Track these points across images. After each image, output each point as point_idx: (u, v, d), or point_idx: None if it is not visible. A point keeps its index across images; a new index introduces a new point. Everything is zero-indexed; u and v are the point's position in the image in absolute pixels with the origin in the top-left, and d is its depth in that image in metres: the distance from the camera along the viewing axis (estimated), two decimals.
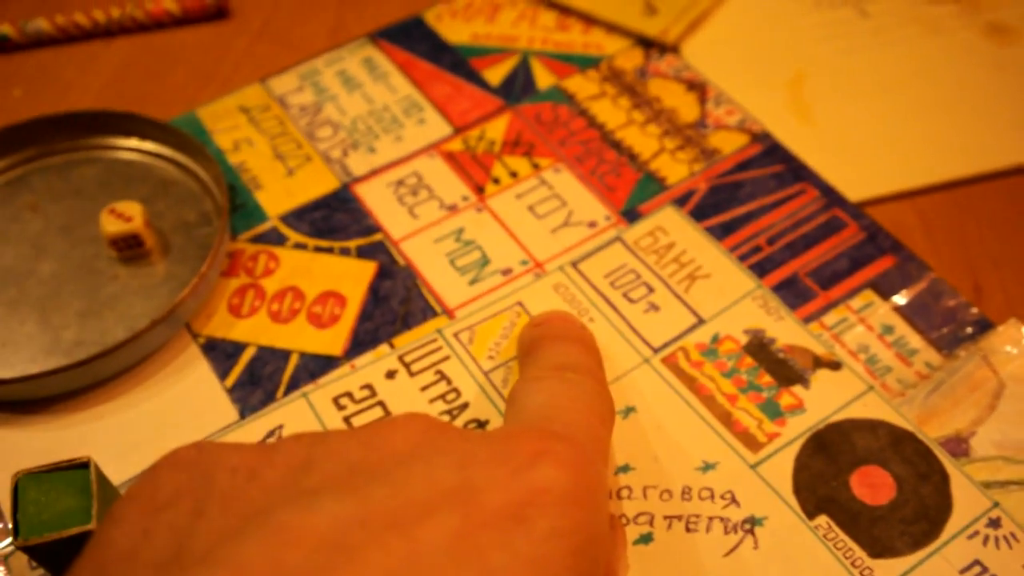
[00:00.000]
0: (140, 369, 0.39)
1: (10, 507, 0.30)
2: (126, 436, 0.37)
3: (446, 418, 0.36)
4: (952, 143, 0.45)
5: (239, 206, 0.44)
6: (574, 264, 0.41)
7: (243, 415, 0.37)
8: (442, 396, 0.37)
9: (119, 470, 0.36)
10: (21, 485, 0.31)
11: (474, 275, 0.41)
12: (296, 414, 0.37)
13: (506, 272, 0.41)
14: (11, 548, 0.34)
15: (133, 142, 0.46)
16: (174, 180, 0.45)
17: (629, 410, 0.36)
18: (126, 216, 0.42)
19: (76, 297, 0.41)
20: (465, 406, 0.37)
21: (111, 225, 0.41)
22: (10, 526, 0.30)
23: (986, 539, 0.33)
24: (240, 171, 0.45)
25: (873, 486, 0.35)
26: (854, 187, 0.43)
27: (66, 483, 0.31)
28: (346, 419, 0.37)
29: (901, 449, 0.35)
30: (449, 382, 0.37)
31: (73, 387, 0.38)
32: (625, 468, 0.35)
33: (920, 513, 0.34)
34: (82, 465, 0.31)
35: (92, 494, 0.31)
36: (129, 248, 0.42)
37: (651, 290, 0.40)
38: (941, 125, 0.46)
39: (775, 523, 0.34)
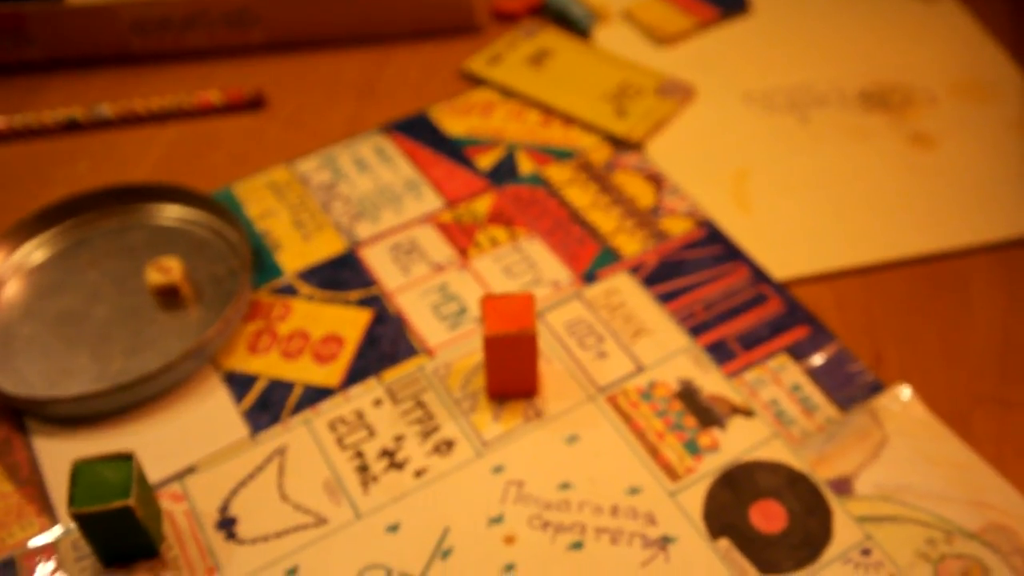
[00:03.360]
0: (172, 394, 0.47)
1: (68, 488, 0.38)
2: (159, 447, 0.45)
3: (419, 439, 0.44)
4: (867, 234, 0.53)
5: (261, 264, 0.52)
6: (539, 315, 0.49)
7: (253, 434, 0.45)
8: (418, 421, 0.45)
9: (152, 473, 0.44)
10: (76, 469, 0.39)
11: (453, 321, 0.49)
12: (297, 434, 0.45)
13: (480, 321, 0.49)
14: (58, 534, 0.42)
15: (177, 209, 0.54)
16: (208, 242, 0.53)
17: (574, 437, 0.44)
18: (167, 269, 0.50)
19: (123, 336, 0.49)
20: (437, 428, 0.44)
21: (154, 277, 0.50)
22: (62, 508, 0.38)
23: (857, 565, 0.40)
24: (264, 235, 0.54)
25: (769, 516, 0.42)
26: (780, 267, 0.51)
27: (112, 470, 0.39)
28: (338, 439, 0.44)
29: (796, 487, 0.42)
30: (425, 409, 0.45)
31: (117, 407, 0.46)
32: (566, 485, 0.42)
33: (805, 540, 0.41)
34: (126, 457, 0.39)
35: (132, 478, 0.39)
36: (168, 296, 0.50)
37: (601, 340, 0.48)
38: (859, 218, 0.53)
39: (685, 542, 0.41)
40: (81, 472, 0.39)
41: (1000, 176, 0.56)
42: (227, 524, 0.42)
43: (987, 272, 0.51)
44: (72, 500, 0.38)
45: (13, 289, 0.51)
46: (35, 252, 0.53)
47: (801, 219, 0.54)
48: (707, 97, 0.61)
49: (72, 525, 0.42)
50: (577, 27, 0.66)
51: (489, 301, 0.44)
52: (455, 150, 0.58)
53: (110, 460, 0.39)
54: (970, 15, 0.66)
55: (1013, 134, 0.58)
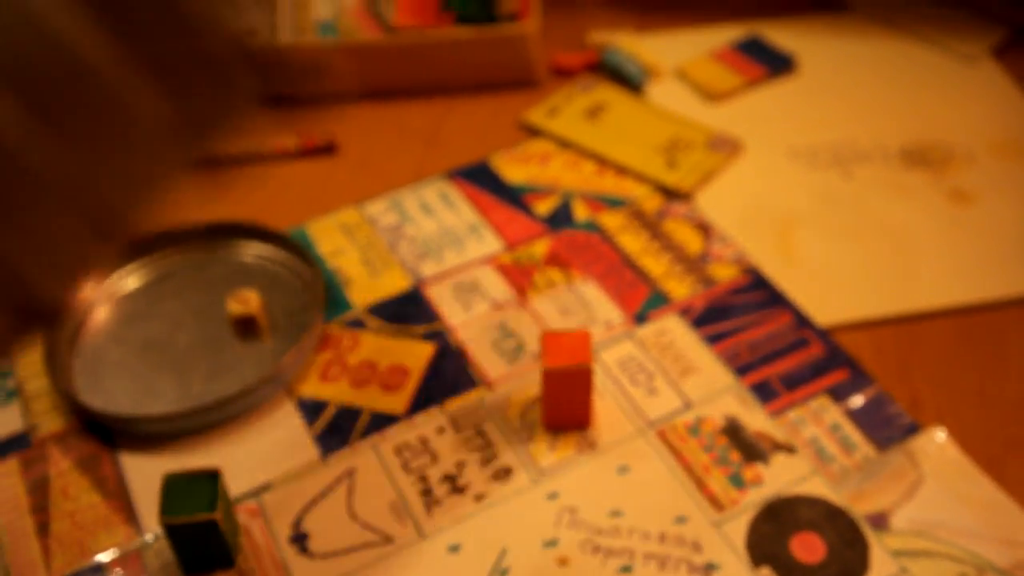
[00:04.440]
0: (248, 417, 0.50)
1: (160, 499, 0.42)
2: (236, 465, 0.48)
3: (479, 466, 0.47)
4: (906, 285, 0.55)
5: (332, 299, 0.56)
6: (593, 352, 0.52)
7: (324, 456, 0.48)
8: (478, 448, 0.48)
9: (230, 489, 0.47)
10: (167, 482, 0.42)
11: (511, 357, 0.52)
12: (365, 457, 0.48)
13: (537, 357, 0.52)
14: (142, 543, 0.45)
15: (255, 246, 0.58)
16: (284, 277, 0.57)
17: (624, 468, 0.47)
18: (246, 301, 0.54)
19: (203, 362, 0.53)
20: (496, 456, 0.47)
21: (234, 307, 0.54)
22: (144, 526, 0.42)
23: None
24: (335, 272, 0.57)
25: (808, 548, 0.44)
26: (822, 314, 0.54)
27: (199, 485, 0.42)
28: (404, 463, 0.48)
29: (834, 521, 0.45)
30: (485, 437, 0.48)
31: (197, 427, 0.50)
32: (616, 512, 0.45)
33: (843, 571, 0.43)
34: (213, 473, 0.43)
35: (218, 494, 0.42)
36: (246, 327, 0.54)
37: (651, 377, 0.51)
38: (898, 270, 0.56)
39: (728, 570, 0.43)
40: (171, 485, 0.42)
41: None
42: (299, 539, 0.45)
43: (1022, 324, 0.53)
44: (163, 510, 0.42)
45: (103, 315, 0.55)
46: (124, 281, 0.57)
47: (842, 268, 0.56)
48: (754, 151, 0.64)
49: (154, 535, 0.46)
50: (631, 83, 0.69)
51: (548, 337, 0.47)
52: (514, 196, 0.62)
53: (198, 475, 0.43)
54: (1009, 77, 0.69)
55: None
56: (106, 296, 0.56)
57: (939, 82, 0.69)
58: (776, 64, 0.70)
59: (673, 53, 0.72)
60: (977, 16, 0.74)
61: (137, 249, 0.58)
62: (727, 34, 0.74)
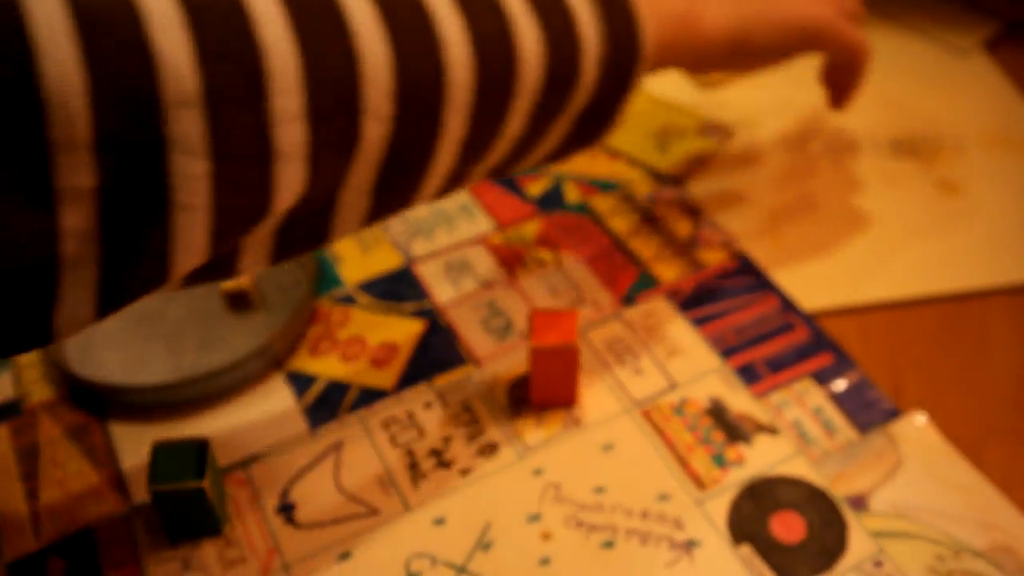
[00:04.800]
0: (238, 389, 0.51)
1: (148, 467, 0.42)
2: (225, 436, 0.49)
3: (466, 441, 0.48)
4: (891, 272, 0.56)
5: (323, 275, 0.56)
6: (581, 332, 0.52)
7: (312, 429, 0.49)
8: (465, 424, 0.48)
9: (219, 459, 0.47)
10: (155, 450, 0.43)
11: (499, 335, 0.52)
12: (353, 431, 0.49)
13: (525, 336, 0.52)
14: (130, 511, 0.46)
15: None
16: None
17: (609, 446, 0.47)
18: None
19: (195, 334, 0.53)
20: (482, 431, 0.48)
21: (226, 282, 0.54)
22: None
23: (870, 575, 0.43)
24: (327, 249, 0.58)
25: (789, 527, 0.45)
26: (808, 299, 0.54)
27: (188, 453, 0.43)
28: (391, 438, 0.48)
29: (815, 501, 0.46)
30: (472, 413, 0.49)
31: (187, 398, 0.50)
32: (600, 489, 0.46)
33: (822, 551, 0.44)
34: (200, 442, 0.43)
35: (206, 463, 0.42)
36: (238, 300, 0.54)
37: (638, 357, 0.51)
38: (885, 257, 0.57)
39: (709, 547, 0.44)
40: (160, 453, 0.43)
41: (1022, 224, 0.59)
42: (286, 509, 0.46)
43: (1005, 313, 0.54)
44: (151, 478, 0.42)
45: None
46: None
47: (830, 255, 0.57)
48: (745, 138, 0.65)
49: (142, 503, 0.46)
50: None
51: (537, 315, 0.47)
52: (507, 178, 0.62)
53: (186, 444, 0.43)
54: (1001, 71, 0.70)
55: None
56: None
57: (931, 74, 0.70)
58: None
59: None
60: (970, 9, 0.75)
61: None
62: None
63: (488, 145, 0.41)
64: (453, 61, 0.37)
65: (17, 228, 0.32)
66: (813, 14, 0.52)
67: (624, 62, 0.44)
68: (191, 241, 0.35)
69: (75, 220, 0.32)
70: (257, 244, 0.39)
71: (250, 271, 0.40)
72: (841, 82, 0.57)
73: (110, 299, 0.35)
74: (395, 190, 0.40)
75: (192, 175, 0.33)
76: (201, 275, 0.38)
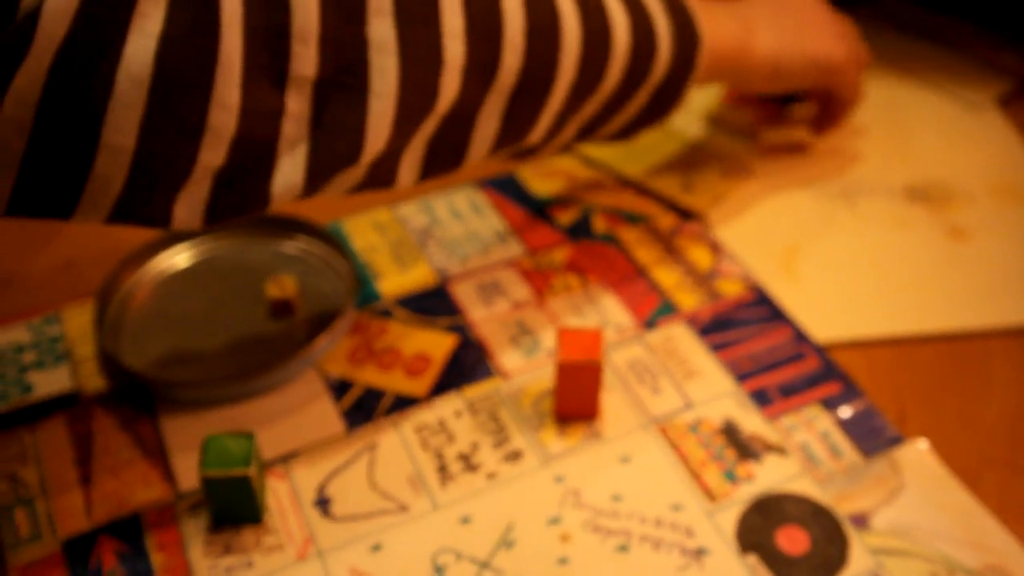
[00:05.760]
0: (280, 391, 0.54)
1: (200, 455, 0.46)
2: (267, 434, 0.52)
3: (492, 448, 0.51)
4: (900, 309, 0.59)
5: (363, 289, 0.60)
6: (604, 351, 0.55)
7: (349, 430, 0.52)
8: (492, 432, 0.52)
9: (262, 454, 0.51)
10: (207, 441, 0.46)
11: (527, 352, 0.56)
12: (387, 434, 0.52)
13: (551, 354, 0.56)
14: (177, 497, 0.49)
15: (295, 237, 0.62)
16: (320, 267, 0.61)
17: (627, 458, 0.50)
18: (283, 285, 0.58)
19: (241, 339, 0.57)
20: (507, 439, 0.51)
21: (272, 290, 0.58)
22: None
23: None
24: (367, 266, 0.62)
25: (793, 540, 0.48)
26: (819, 331, 0.57)
27: (236, 444, 0.46)
28: (422, 441, 0.51)
29: (819, 518, 0.48)
30: (499, 422, 0.52)
31: (232, 396, 0.54)
32: (617, 497, 0.49)
33: (824, 564, 0.47)
34: (247, 435, 0.47)
35: (252, 453, 0.46)
36: (282, 309, 0.58)
37: (656, 378, 0.54)
38: (894, 295, 0.60)
39: (717, 555, 0.47)
40: (211, 443, 0.46)
41: None
42: (323, 503, 0.49)
43: (1006, 353, 0.57)
44: (203, 464, 0.46)
45: (151, 290, 0.59)
46: (172, 261, 0.61)
47: (842, 291, 0.60)
48: (765, 178, 0.68)
49: (188, 490, 0.49)
50: None
51: (564, 333, 0.51)
52: (539, 207, 0.66)
53: (235, 436, 0.47)
54: (1012, 126, 0.73)
55: None
56: (155, 274, 0.60)
57: (945, 126, 0.73)
58: (789, 101, 0.74)
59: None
60: (985, 66, 0.78)
61: (184, 234, 0.62)
62: None
63: (591, 91, 0.52)
64: (566, 16, 0.49)
65: (262, 105, 0.42)
66: (836, 51, 0.64)
67: (688, 49, 0.56)
68: (380, 125, 0.45)
69: (297, 105, 0.43)
70: (413, 151, 0.49)
71: (406, 183, 0.50)
72: (831, 114, 0.68)
73: (315, 172, 0.45)
74: (519, 119, 0.50)
75: (386, 69, 0.44)
76: (368, 183, 0.48)
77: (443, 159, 0.50)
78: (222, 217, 0.45)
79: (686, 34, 0.55)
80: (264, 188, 0.44)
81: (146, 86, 0.39)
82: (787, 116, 0.70)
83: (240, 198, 0.44)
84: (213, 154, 0.42)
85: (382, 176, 0.48)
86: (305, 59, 0.42)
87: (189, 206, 0.44)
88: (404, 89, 0.45)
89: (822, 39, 0.63)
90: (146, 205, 0.43)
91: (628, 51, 0.52)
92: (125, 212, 0.43)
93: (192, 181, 0.43)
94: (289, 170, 0.44)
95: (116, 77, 0.39)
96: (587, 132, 0.56)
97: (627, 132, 0.58)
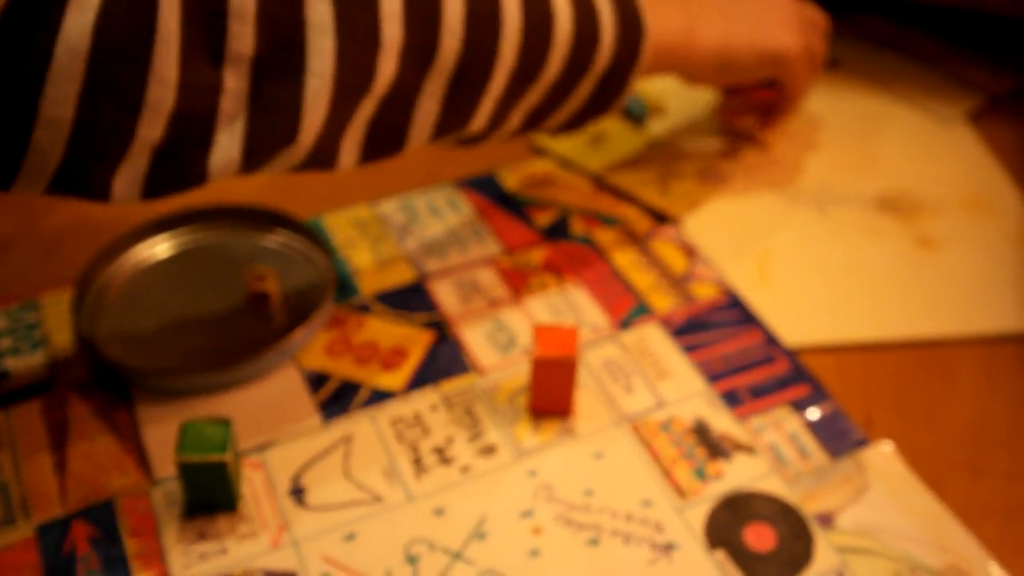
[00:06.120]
0: (258, 381, 0.55)
1: (177, 440, 0.46)
2: (243, 423, 0.52)
3: (467, 442, 0.51)
4: (869, 316, 0.60)
5: (342, 284, 0.60)
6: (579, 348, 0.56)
7: (325, 421, 0.53)
8: (467, 426, 0.52)
9: (238, 444, 0.51)
10: (184, 426, 0.47)
11: (503, 349, 0.56)
12: (362, 426, 0.52)
13: (526, 351, 0.56)
14: (152, 484, 0.49)
15: (275, 231, 0.63)
16: (299, 261, 0.61)
17: (599, 454, 0.51)
18: (262, 278, 0.58)
19: (220, 330, 0.57)
20: (482, 433, 0.52)
21: (252, 283, 0.58)
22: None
23: None
24: (346, 261, 0.62)
25: (760, 537, 0.49)
26: (790, 335, 0.58)
27: (213, 431, 0.47)
28: (398, 434, 0.52)
29: (786, 516, 0.49)
30: (473, 417, 0.53)
31: (209, 386, 0.54)
32: (589, 492, 0.50)
33: (790, 560, 0.48)
34: (224, 422, 0.47)
35: (228, 439, 0.46)
36: (261, 301, 0.58)
37: (630, 377, 0.55)
38: (864, 302, 0.61)
39: (686, 550, 0.48)
40: (188, 429, 0.47)
41: (992, 280, 0.63)
42: (297, 492, 0.49)
43: (972, 360, 0.58)
44: (179, 449, 0.46)
45: (131, 279, 0.60)
46: (153, 250, 0.61)
47: (812, 296, 0.61)
48: (740, 185, 0.69)
49: (163, 478, 0.50)
50: (634, 116, 0.75)
51: (540, 330, 0.51)
52: (517, 207, 0.66)
53: (212, 422, 0.47)
54: (982, 141, 0.75)
55: (1008, 246, 0.65)
56: (135, 263, 0.61)
57: (917, 140, 0.75)
58: (766, 114, 0.76)
59: (676, 96, 0.77)
60: (957, 81, 0.80)
61: (165, 224, 0.62)
62: None
63: (532, 79, 0.53)
64: (507, 2, 0.50)
65: (199, 81, 0.43)
66: (786, 44, 0.63)
67: (633, 39, 0.56)
68: (317, 104, 0.46)
69: (234, 81, 0.44)
70: (354, 134, 0.49)
71: (347, 165, 0.51)
72: (778, 108, 0.70)
73: (252, 148, 0.46)
74: (460, 104, 0.51)
75: (323, 49, 0.45)
76: (309, 163, 0.49)
77: (384, 142, 0.51)
78: (160, 192, 0.46)
79: (630, 24, 0.55)
80: (202, 163, 0.45)
81: (84, 59, 0.40)
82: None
83: (178, 173, 0.45)
84: (151, 128, 0.43)
85: (323, 157, 0.49)
86: (242, 37, 0.43)
87: (127, 180, 0.44)
88: (341, 69, 0.45)
89: (773, 31, 0.63)
90: (85, 178, 0.43)
91: (570, 39, 0.53)
92: (64, 185, 0.44)
93: (130, 155, 0.43)
94: (227, 145, 0.45)
95: (54, 50, 0.39)
96: (534, 121, 0.56)
97: (575, 123, 0.58)
